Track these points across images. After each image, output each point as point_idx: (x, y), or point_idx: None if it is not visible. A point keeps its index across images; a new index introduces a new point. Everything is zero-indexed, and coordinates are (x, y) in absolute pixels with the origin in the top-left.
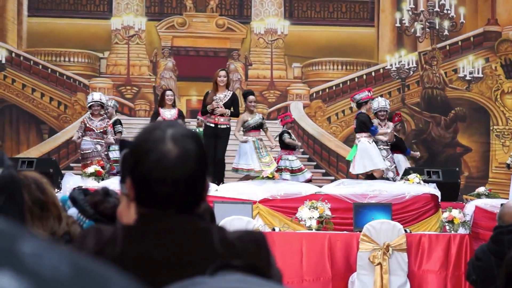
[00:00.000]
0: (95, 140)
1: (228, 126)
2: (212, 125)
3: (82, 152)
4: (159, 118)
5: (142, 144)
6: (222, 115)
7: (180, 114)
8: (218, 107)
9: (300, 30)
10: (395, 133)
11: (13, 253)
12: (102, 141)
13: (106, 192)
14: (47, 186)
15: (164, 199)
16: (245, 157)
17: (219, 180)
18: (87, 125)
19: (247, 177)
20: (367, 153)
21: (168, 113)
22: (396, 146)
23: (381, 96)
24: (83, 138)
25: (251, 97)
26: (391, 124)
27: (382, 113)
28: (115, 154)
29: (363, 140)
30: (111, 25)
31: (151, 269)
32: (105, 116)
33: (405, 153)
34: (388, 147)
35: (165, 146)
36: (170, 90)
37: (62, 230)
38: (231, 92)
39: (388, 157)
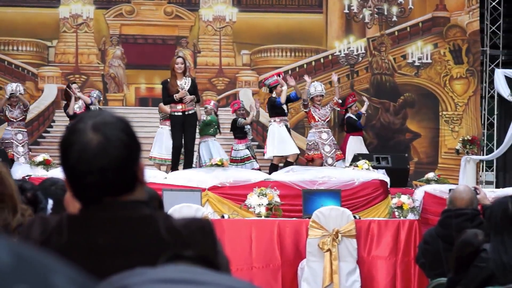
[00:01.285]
0: (16, 129)
1: (195, 111)
2: (180, 113)
3: (1, 141)
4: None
5: (66, 138)
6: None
7: (87, 107)
8: (186, 95)
9: (249, 17)
10: (351, 115)
11: None
12: (24, 129)
13: (19, 186)
14: (5, 176)
15: (94, 189)
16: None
17: (188, 166)
18: (8, 116)
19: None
20: (277, 137)
21: (76, 106)
22: (352, 126)
23: (319, 81)
24: (5, 127)
25: None
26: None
27: (318, 98)
28: None
29: (274, 124)
30: (59, 14)
31: (98, 258)
32: (20, 104)
33: (359, 128)
34: (328, 129)
35: (86, 137)
36: (75, 83)
37: (16, 222)
38: (190, 78)
39: (328, 140)
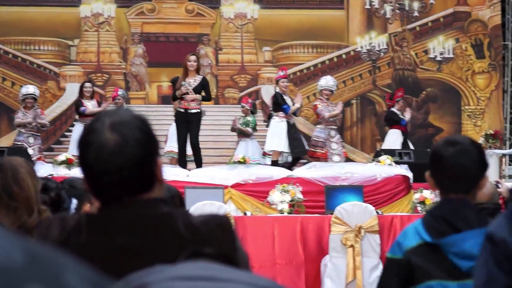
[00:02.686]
0: (29, 132)
1: (199, 110)
2: (182, 110)
3: (14, 143)
4: (83, 108)
5: (84, 138)
6: (192, 100)
7: (99, 105)
8: (188, 93)
9: (270, 13)
10: (395, 110)
11: None
12: (37, 133)
13: (44, 185)
14: (23, 177)
15: (112, 188)
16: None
17: (198, 164)
18: (21, 120)
19: None
20: (274, 132)
21: (89, 104)
22: (392, 120)
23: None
24: (20, 129)
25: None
26: (339, 105)
27: (326, 92)
28: None
29: (275, 119)
30: (81, 13)
31: (117, 257)
32: (36, 106)
33: (401, 124)
34: (336, 127)
35: (104, 136)
36: (89, 81)
37: (34, 221)
38: (201, 76)
39: (336, 138)
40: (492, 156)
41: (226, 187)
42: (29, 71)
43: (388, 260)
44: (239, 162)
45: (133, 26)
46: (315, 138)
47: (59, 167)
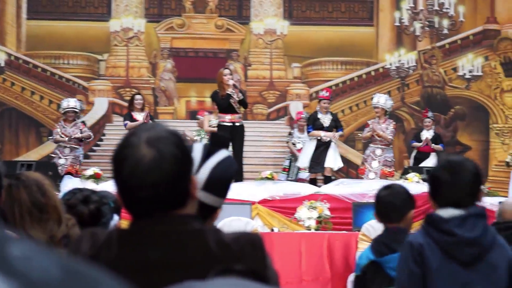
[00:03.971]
0: (68, 143)
1: (242, 124)
2: (229, 124)
3: (51, 154)
4: (125, 122)
5: (119, 152)
6: (236, 112)
7: (150, 117)
8: (236, 88)
9: (299, 30)
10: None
11: (2, 256)
12: (76, 146)
13: (86, 197)
14: (48, 188)
15: (146, 203)
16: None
17: (238, 179)
18: (62, 133)
19: None
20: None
21: (139, 116)
22: (433, 140)
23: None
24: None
25: None
26: (390, 125)
27: (376, 110)
28: None
29: (310, 138)
30: (110, 27)
31: (148, 272)
32: (77, 120)
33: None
34: (382, 146)
35: (140, 151)
36: (139, 94)
37: (61, 233)
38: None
39: (380, 157)
40: None
41: (253, 203)
42: (58, 85)
43: (354, 278)
44: (267, 178)
45: (162, 41)
46: (364, 155)
47: (86, 181)
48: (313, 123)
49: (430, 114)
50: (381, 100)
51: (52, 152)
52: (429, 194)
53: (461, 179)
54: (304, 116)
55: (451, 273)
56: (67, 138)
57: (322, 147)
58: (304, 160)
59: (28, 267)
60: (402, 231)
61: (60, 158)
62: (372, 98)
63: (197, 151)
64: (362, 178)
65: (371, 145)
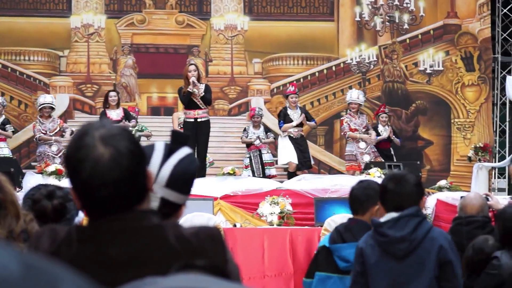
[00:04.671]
0: (49, 142)
1: (208, 119)
2: (192, 120)
3: (37, 155)
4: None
5: (74, 153)
6: (200, 108)
7: (126, 114)
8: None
9: (260, 25)
10: (379, 126)
11: None
12: (59, 140)
13: (50, 192)
14: (5, 184)
15: (107, 202)
16: None
17: (201, 175)
18: (40, 129)
19: None
20: (280, 147)
21: (114, 113)
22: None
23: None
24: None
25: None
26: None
27: (352, 106)
28: None
29: (280, 134)
30: (71, 23)
31: (108, 268)
32: (54, 117)
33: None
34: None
35: (97, 151)
36: (114, 91)
37: (20, 228)
38: (204, 84)
39: (367, 149)
40: (482, 169)
41: (215, 198)
42: (18, 81)
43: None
44: (229, 174)
45: (123, 37)
46: (346, 153)
47: (48, 177)
48: (283, 118)
49: (387, 110)
50: (360, 96)
51: (38, 152)
52: (379, 201)
53: (404, 188)
54: (257, 112)
55: (387, 268)
56: (52, 134)
57: (296, 144)
58: (284, 157)
59: None
60: (361, 224)
61: (54, 157)
62: (347, 94)
63: (158, 149)
64: (354, 175)
65: (350, 141)
